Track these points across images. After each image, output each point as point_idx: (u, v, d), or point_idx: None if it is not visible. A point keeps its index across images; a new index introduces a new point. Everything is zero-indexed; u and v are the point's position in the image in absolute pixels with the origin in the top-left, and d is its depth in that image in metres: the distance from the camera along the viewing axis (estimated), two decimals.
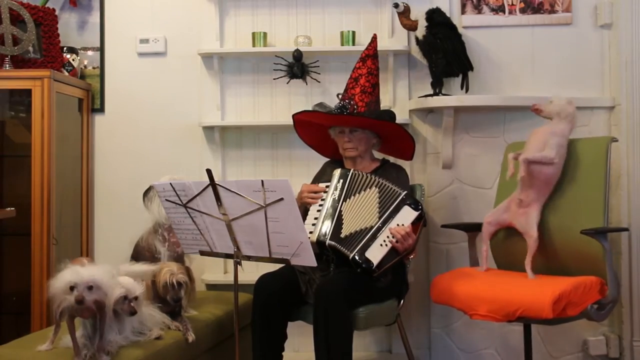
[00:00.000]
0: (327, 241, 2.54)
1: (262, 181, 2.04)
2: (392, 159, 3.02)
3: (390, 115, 2.84)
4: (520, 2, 3.33)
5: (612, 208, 2.55)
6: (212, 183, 2.14)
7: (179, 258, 2.70)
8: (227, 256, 2.29)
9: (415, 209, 2.62)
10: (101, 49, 3.47)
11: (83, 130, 3.41)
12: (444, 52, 3.10)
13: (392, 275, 2.63)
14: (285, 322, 2.58)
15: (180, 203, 2.27)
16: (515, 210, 2.63)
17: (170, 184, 2.27)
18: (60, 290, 1.95)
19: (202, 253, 2.40)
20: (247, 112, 3.42)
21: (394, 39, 3.33)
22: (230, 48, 3.40)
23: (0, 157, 3.35)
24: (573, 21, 3.31)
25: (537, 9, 3.32)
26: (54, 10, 3.31)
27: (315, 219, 2.61)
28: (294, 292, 2.60)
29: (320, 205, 2.65)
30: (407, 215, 2.60)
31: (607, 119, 3.27)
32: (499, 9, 3.33)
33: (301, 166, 3.34)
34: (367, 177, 2.67)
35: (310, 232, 2.55)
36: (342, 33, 3.31)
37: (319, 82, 3.32)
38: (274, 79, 3.32)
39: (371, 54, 2.84)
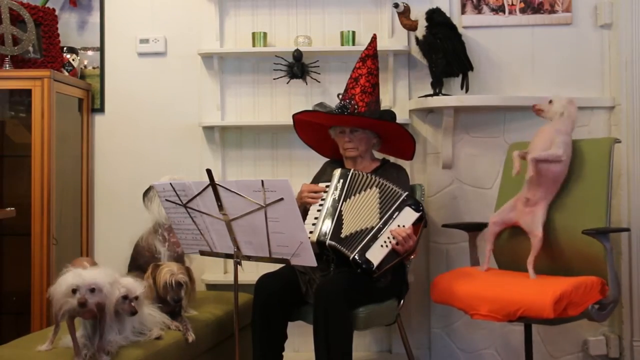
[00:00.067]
0: (327, 241, 2.54)
1: (262, 181, 2.04)
2: (392, 159, 3.02)
3: (390, 115, 2.84)
4: (520, 2, 3.33)
5: (612, 208, 2.55)
6: (212, 183, 2.14)
7: (179, 258, 2.70)
8: (227, 256, 2.29)
9: (416, 210, 2.62)
10: (101, 49, 3.47)
11: (83, 130, 3.41)
12: (444, 52, 3.10)
13: (392, 275, 2.63)
14: (285, 322, 2.58)
15: (180, 203, 2.27)
16: (522, 209, 2.62)
17: (170, 184, 2.27)
18: (62, 293, 1.96)
19: (202, 253, 2.40)
20: (247, 112, 3.41)
21: (394, 39, 3.33)
22: (230, 48, 3.40)
23: (0, 157, 3.35)
24: (573, 21, 3.31)
25: (537, 9, 3.32)
26: (54, 10, 3.31)
27: (316, 218, 2.61)
28: (294, 292, 2.60)
29: (321, 205, 2.65)
30: (408, 217, 2.60)
31: (607, 119, 3.27)
32: (499, 9, 3.33)
33: (301, 166, 3.34)
34: (367, 177, 2.67)
35: (311, 232, 2.55)
36: (342, 33, 3.31)
37: (319, 82, 3.32)
38: (274, 79, 3.32)
39: (371, 54, 2.84)
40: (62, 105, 3.18)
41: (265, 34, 3.34)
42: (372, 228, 2.57)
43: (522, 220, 2.62)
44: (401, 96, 3.34)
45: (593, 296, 2.36)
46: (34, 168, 2.99)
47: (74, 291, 1.96)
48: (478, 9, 3.33)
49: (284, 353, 2.59)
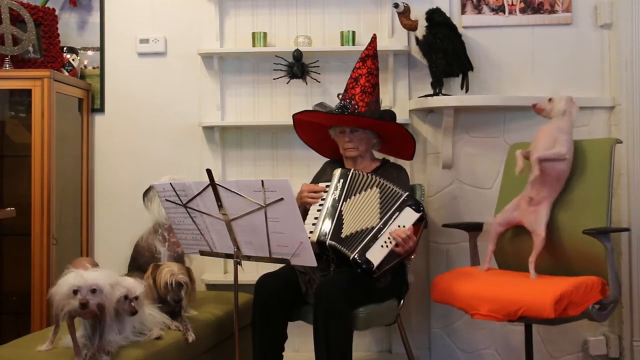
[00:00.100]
0: (328, 241, 2.54)
1: (262, 181, 2.04)
2: (392, 159, 3.02)
3: (390, 115, 2.84)
4: (520, 2, 3.33)
5: (612, 208, 2.56)
6: (212, 183, 2.14)
7: (179, 258, 2.70)
8: (227, 256, 2.29)
9: (417, 211, 2.62)
10: (101, 49, 3.47)
11: (83, 130, 3.41)
12: (444, 52, 3.10)
13: (392, 275, 2.63)
14: (285, 322, 2.58)
15: (180, 203, 2.27)
16: (525, 208, 2.62)
17: (170, 184, 2.27)
18: (63, 294, 1.96)
19: (202, 253, 2.40)
20: (247, 112, 3.41)
21: (394, 39, 3.33)
22: (230, 48, 3.40)
23: (0, 157, 3.35)
24: (573, 21, 3.31)
25: (537, 9, 3.32)
26: (54, 10, 3.30)
27: (316, 218, 2.61)
28: (294, 292, 2.60)
29: (321, 205, 2.65)
30: (408, 217, 2.60)
31: (607, 119, 3.27)
32: (499, 9, 3.33)
33: (301, 166, 3.34)
34: (367, 177, 2.67)
35: (311, 232, 2.55)
36: (342, 33, 3.31)
37: (319, 82, 3.32)
38: (274, 79, 3.32)
39: (371, 54, 2.84)
40: (62, 105, 3.18)
41: (265, 34, 3.34)
42: (373, 228, 2.57)
43: (525, 219, 2.62)
44: (401, 96, 3.34)
45: (593, 296, 2.36)
46: (34, 168, 2.99)
47: (75, 292, 1.96)
48: (478, 9, 3.33)
49: (284, 353, 2.59)
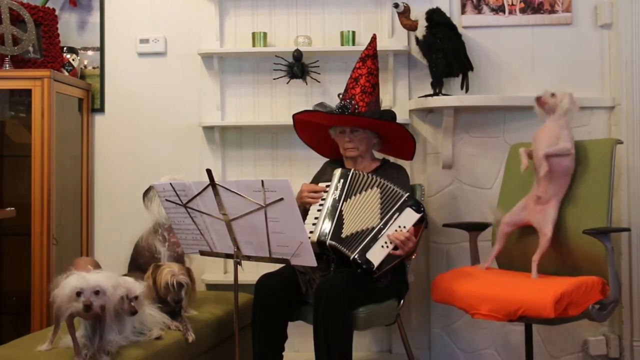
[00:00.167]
0: (328, 241, 2.54)
1: (262, 181, 2.04)
2: (392, 159, 3.02)
3: (390, 115, 2.84)
4: (520, 2, 3.33)
5: (612, 208, 2.56)
6: (212, 183, 2.14)
7: (179, 258, 2.70)
8: (227, 256, 2.29)
9: (417, 211, 2.61)
10: (101, 49, 3.47)
11: (83, 130, 3.41)
12: (444, 52, 3.10)
13: (392, 275, 2.63)
14: (285, 322, 2.58)
15: (180, 203, 2.27)
16: (533, 207, 2.61)
17: (170, 184, 2.27)
18: (66, 296, 1.96)
19: (202, 253, 2.40)
20: (247, 112, 3.41)
21: (394, 39, 3.33)
22: (230, 48, 3.40)
23: (0, 157, 3.35)
24: (573, 21, 3.31)
25: (537, 9, 3.32)
26: (54, 10, 3.30)
27: (316, 218, 2.61)
28: (294, 292, 2.60)
29: (321, 205, 2.65)
30: (409, 217, 2.60)
31: (607, 119, 3.27)
32: (499, 9, 3.33)
33: (301, 166, 3.34)
34: (368, 177, 2.67)
35: (311, 232, 2.55)
36: (342, 33, 3.31)
37: (319, 82, 3.32)
38: (274, 79, 3.32)
39: (371, 54, 2.84)
40: (62, 105, 3.18)
41: (265, 34, 3.34)
42: (373, 228, 2.57)
43: (533, 218, 2.60)
44: (401, 96, 3.34)
45: (594, 296, 2.36)
46: (34, 168, 2.99)
47: (79, 294, 1.96)
48: (478, 9, 3.33)
49: (284, 353, 2.59)
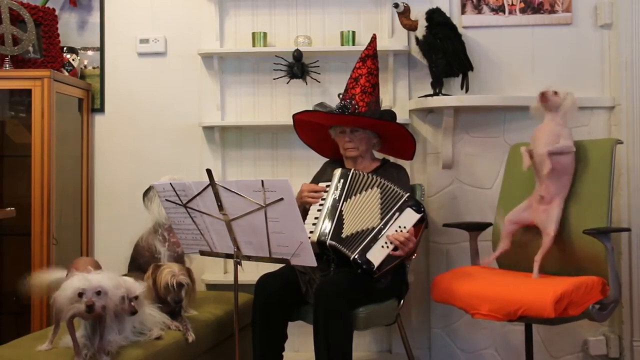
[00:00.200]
0: (328, 241, 2.54)
1: (262, 181, 2.04)
2: (392, 159, 3.02)
3: (391, 115, 2.84)
4: (520, 2, 3.33)
5: (612, 208, 2.56)
6: (212, 183, 2.14)
7: (179, 258, 2.70)
8: (227, 256, 2.29)
9: (418, 212, 2.61)
10: (101, 49, 3.47)
11: (83, 130, 3.41)
12: (444, 52, 3.10)
13: (392, 275, 2.63)
14: (285, 322, 2.58)
15: (180, 203, 2.27)
16: (537, 207, 2.61)
17: (170, 184, 2.27)
18: (68, 297, 1.96)
19: (202, 253, 2.40)
20: (247, 112, 3.41)
21: (394, 39, 3.33)
22: (230, 48, 3.40)
23: (0, 157, 3.35)
24: (573, 21, 3.31)
25: (537, 9, 3.32)
26: (54, 10, 3.30)
27: (316, 218, 2.61)
28: (294, 292, 2.60)
29: (321, 205, 2.65)
30: (409, 218, 2.60)
31: (607, 119, 3.27)
32: (499, 9, 3.33)
33: (301, 166, 3.34)
34: (368, 177, 2.67)
35: (311, 232, 2.55)
36: (342, 33, 3.31)
37: (319, 82, 3.32)
38: (274, 79, 3.32)
39: (371, 54, 2.84)
40: (62, 105, 3.18)
41: (265, 34, 3.34)
42: (373, 229, 2.57)
43: (537, 218, 2.60)
44: (401, 96, 3.34)
45: (594, 296, 2.36)
46: (34, 168, 2.99)
47: (80, 295, 1.96)
48: (478, 9, 3.33)
49: (284, 353, 2.59)
